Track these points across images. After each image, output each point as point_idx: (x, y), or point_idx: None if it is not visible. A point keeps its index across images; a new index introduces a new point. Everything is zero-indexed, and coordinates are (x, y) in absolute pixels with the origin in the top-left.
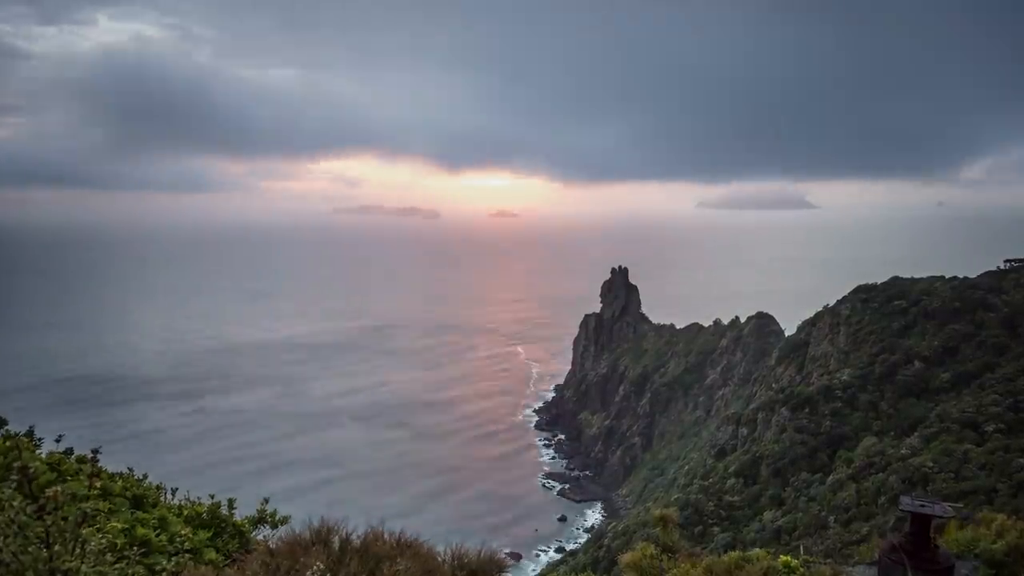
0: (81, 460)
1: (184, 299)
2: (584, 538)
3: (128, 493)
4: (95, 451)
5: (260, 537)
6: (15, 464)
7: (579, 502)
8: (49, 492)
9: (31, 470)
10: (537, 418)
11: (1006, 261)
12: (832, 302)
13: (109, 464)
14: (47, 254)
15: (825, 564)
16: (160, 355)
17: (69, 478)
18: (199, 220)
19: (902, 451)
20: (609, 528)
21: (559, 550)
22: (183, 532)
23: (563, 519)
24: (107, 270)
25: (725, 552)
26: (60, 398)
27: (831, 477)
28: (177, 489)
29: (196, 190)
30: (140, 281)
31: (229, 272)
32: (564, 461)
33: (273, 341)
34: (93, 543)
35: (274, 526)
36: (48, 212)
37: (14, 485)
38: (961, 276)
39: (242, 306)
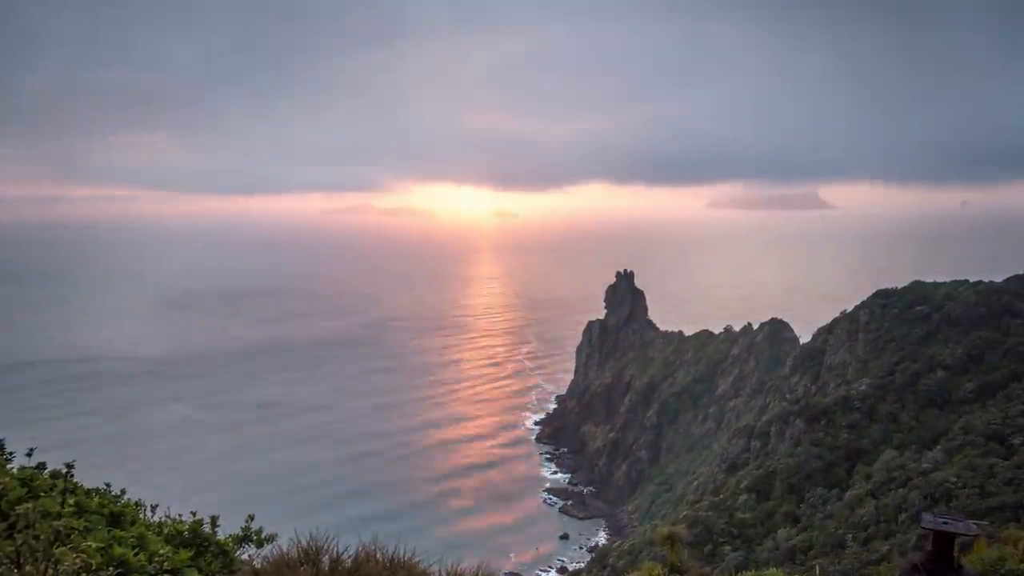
0: (55, 475)
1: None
2: (587, 557)
3: (105, 510)
4: (69, 466)
5: (245, 556)
6: None
7: (582, 519)
8: (19, 509)
9: (1, 487)
10: (538, 430)
11: None
12: (850, 308)
13: (85, 479)
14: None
15: None
16: None
17: (42, 494)
18: None
19: (924, 465)
20: (614, 547)
21: (561, 570)
22: (163, 551)
23: (565, 537)
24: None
25: (737, 572)
26: None
27: (849, 493)
28: (157, 506)
29: None
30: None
31: None
32: (566, 476)
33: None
34: (67, 563)
35: (259, 545)
36: None
37: None
38: (986, 280)
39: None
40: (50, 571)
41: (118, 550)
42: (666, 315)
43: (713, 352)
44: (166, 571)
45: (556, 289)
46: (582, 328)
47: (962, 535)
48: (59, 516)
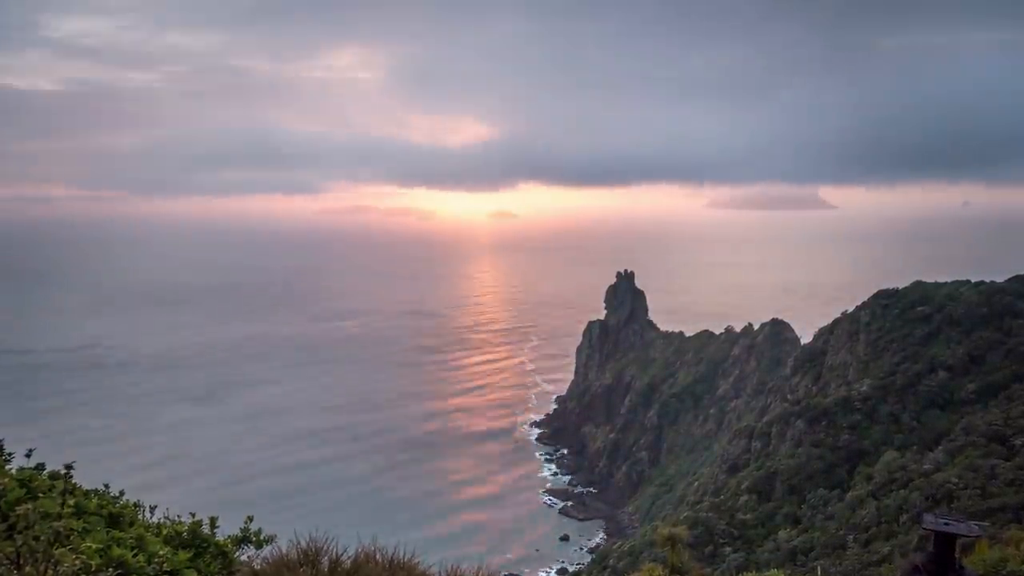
0: (54, 476)
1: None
2: (587, 559)
3: (104, 511)
4: (68, 467)
5: (244, 558)
6: None
7: (582, 520)
8: (20, 510)
9: (0, 487)
10: (538, 431)
11: None
12: (851, 308)
13: (84, 480)
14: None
15: None
16: None
17: (41, 495)
18: None
19: (925, 466)
20: (614, 548)
21: (561, 571)
22: (162, 552)
23: (565, 538)
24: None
25: (738, 573)
26: None
27: (850, 494)
28: (156, 507)
29: None
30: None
31: None
32: (566, 477)
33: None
34: (66, 564)
35: (259, 546)
36: None
37: None
38: (988, 280)
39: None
40: (50, 572)
41: (117, 551)
42: (666, 314)
43: (714, 353)
44: (165, 572)
45: (556, 289)
46: (582, 328)
47: (963, 536)
48: (59, 517)
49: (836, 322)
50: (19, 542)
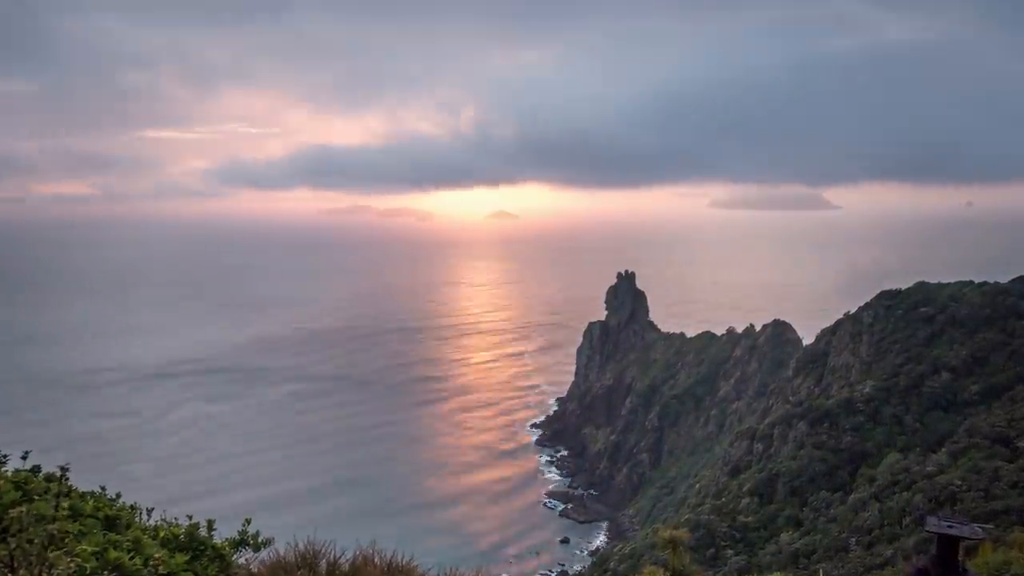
0: (49, 478)
1: None
2: (588, 561)
3: (100, 514)
4: (64, 469)
5: (241, 561)
6: None
7: (583, 523)
8: (13, 513)
9: None
10: (538, 433)
11: None
12: (853, 309)
13: (80, 482)
14: None
15: None
16: None
17: (36, 497)
18: None
19: (928, 468)
20: (615, 551)
21: (561, 574)
22: (159, 555)
23: (566, 541)
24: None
25: None
26: None
27: (852, 496)
28: (153, 509)
29: None
30: None
31: None
32: (567, 479)
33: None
34: (61, 567)
35: (256, 548)
36: None
37: None
38: (991, 281)
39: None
40: (44, 575)
41: (113, 554)
42: (667, 316)
43: (715, 354)
44: (162, 575)
45: (558, 289)
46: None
47: (967, 539)
48: (53, 520)
49: (839, 323)
50: (12, 545)
